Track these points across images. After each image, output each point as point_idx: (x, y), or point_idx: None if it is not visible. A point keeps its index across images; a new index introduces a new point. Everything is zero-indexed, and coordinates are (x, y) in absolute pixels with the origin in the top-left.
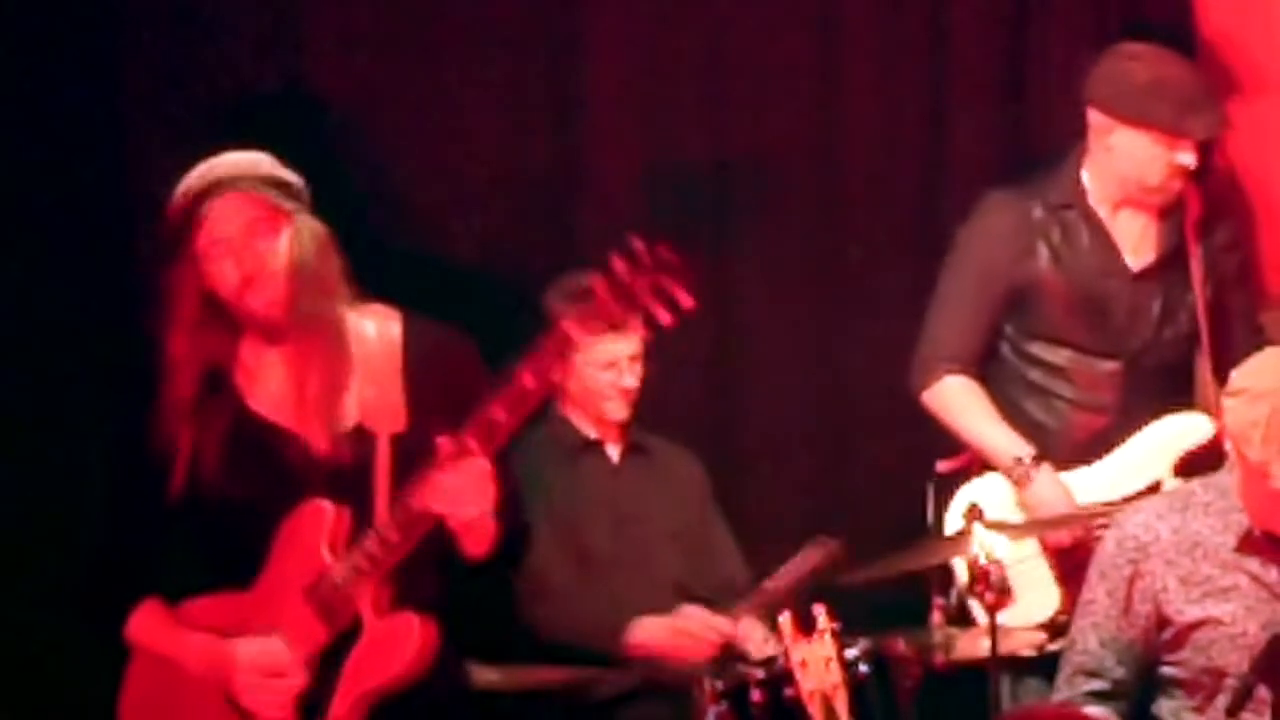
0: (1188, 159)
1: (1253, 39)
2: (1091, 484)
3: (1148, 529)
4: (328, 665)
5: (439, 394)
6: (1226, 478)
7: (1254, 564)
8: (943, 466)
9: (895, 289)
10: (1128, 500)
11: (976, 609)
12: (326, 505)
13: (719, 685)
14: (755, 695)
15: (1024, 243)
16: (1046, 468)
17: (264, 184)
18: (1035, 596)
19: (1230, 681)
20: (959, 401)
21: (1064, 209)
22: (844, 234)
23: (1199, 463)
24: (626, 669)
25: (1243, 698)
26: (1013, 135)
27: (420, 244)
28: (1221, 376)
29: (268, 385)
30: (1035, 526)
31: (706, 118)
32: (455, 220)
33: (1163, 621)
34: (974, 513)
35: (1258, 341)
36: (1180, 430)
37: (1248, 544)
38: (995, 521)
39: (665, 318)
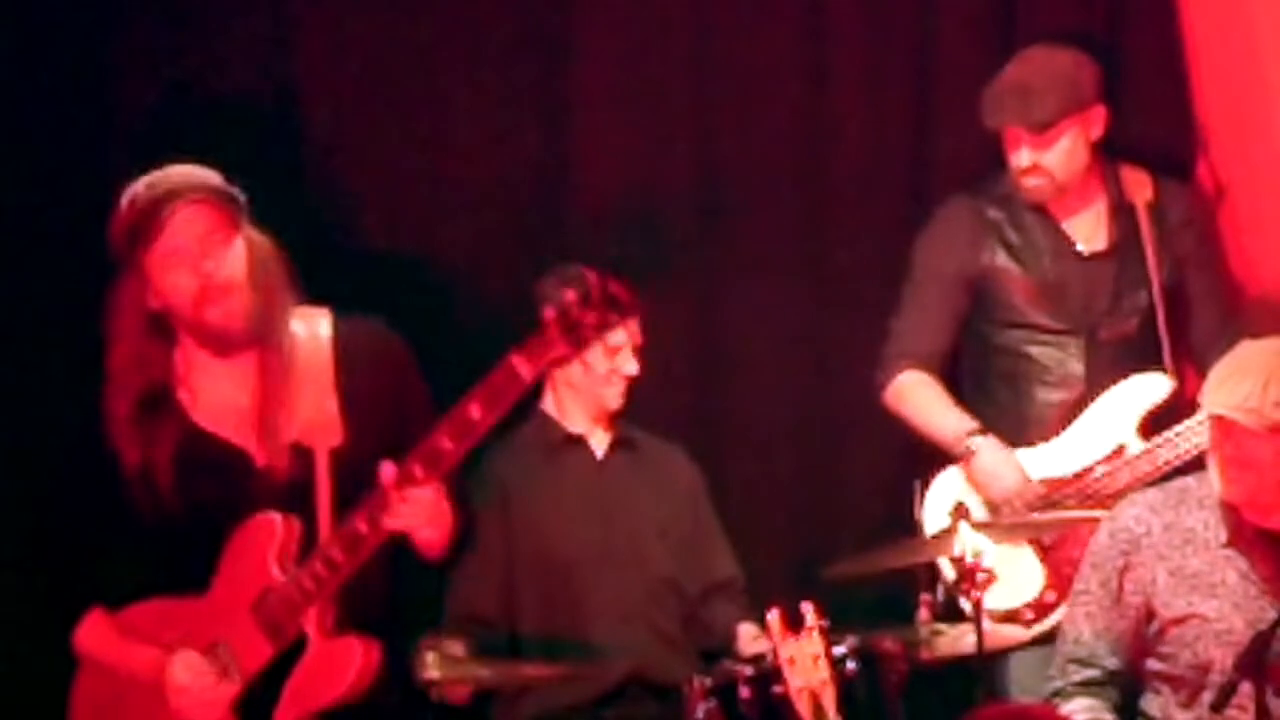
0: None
1: (1236, 40)
2: (1056, 456)
3: (1140, 521)
4: (273, 680)
5: (373, 394)
6: None
7: (1243, 560)
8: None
9: (881, 289)
10: (1091, 468)
11: (966, 604)
12: (276, 518)
13: (707, 682)
14: (744, 692)
15: (978, 241)
16: (991, 440)
17: (214, 195)
18: (1020, 576)
19: (1216, 677)
20: (913, 394)
21: (1011, 201)
22: (830, 235)
23: (1162, 421)
24: (615, 665)
25: (1227, 695)
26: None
27: (410, 248)
28: (1178, 352)
29: (211, 400)
30: (1024, 528)
31: (694, 121)
32: (445, 224)
33: (1150, 614)
34: (960, 511)
35: (1226, 332)
36: (1139, 391)
37: (1239, 539)
38: (982, 521)
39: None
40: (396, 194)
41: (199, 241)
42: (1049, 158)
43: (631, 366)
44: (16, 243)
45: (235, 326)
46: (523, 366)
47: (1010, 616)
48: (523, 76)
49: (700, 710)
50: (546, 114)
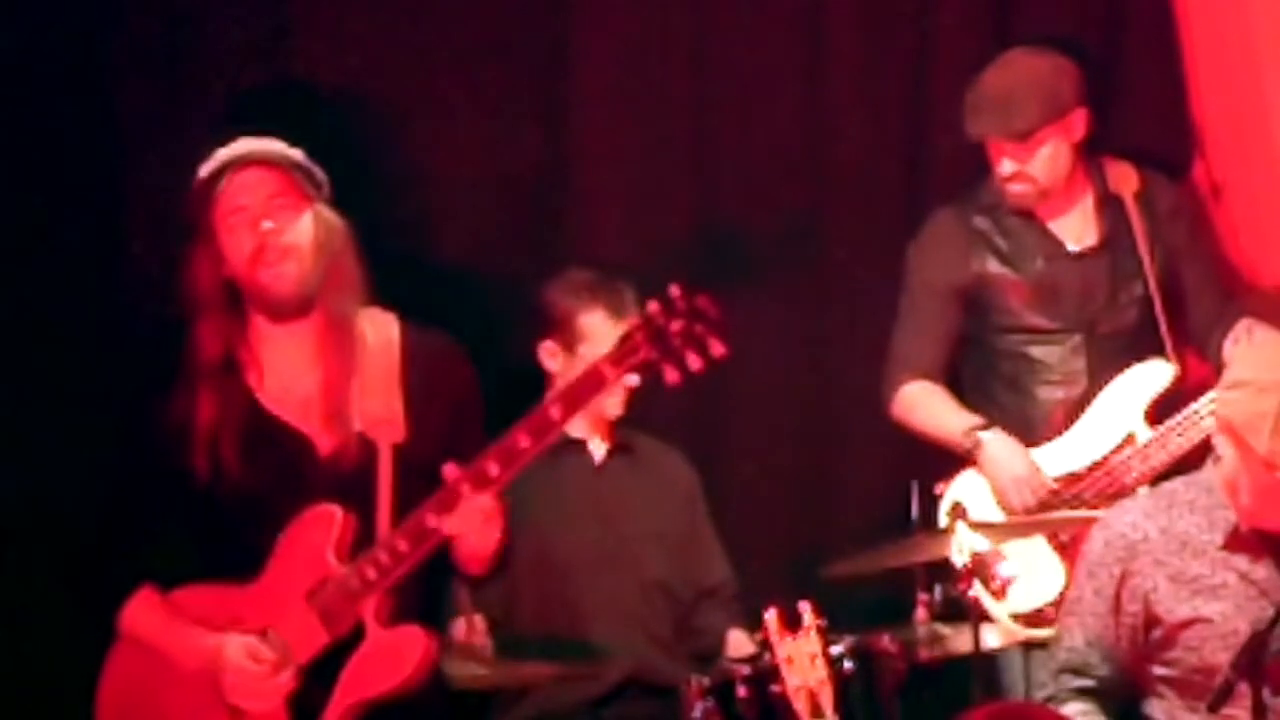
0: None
1: (1234, 41)
2: (1066, 452)
3: (1135, 528)
4: (324, 670)
5: (436, 400)
6: (1209, 475)
7: (1242, 561)
8: (941, 489)
9: (879, 291)
10: (1104, 460)
11: (987, 600)
12: (336, 510)
13: (705, 681)
14: (741, 691)
15: (967, 251)
16: (997, 431)
17: (284, 162)
18: (1041, 576)
19: (1219, 680)
20: (919, 401)
21: (996, 209)
22: (830, 235)
23: (1168, 408)
24: (613, 665)
25: (1224, 694)
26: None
27: (409, 246)
28: (1177, 341)
29: (278, 382)
30: (1021, 527)
31: (693, 121)
32: (444, 223)
33: (1152, 621)
34: (958, 511)
35: (1226, 313)
36: (1142, 379)
37: (1235, 541)
38: (980, 522)
39: (696, 364)
40: (396, 194)
41: (262, 203)
42: (1032, 166)
43: (633, 377)
44: (16, 242)
45: (287, 291)
46: (607, 369)
47: (1032, 617)
48: (523, 76)
49: (698, 710)
50: (546, 114)
